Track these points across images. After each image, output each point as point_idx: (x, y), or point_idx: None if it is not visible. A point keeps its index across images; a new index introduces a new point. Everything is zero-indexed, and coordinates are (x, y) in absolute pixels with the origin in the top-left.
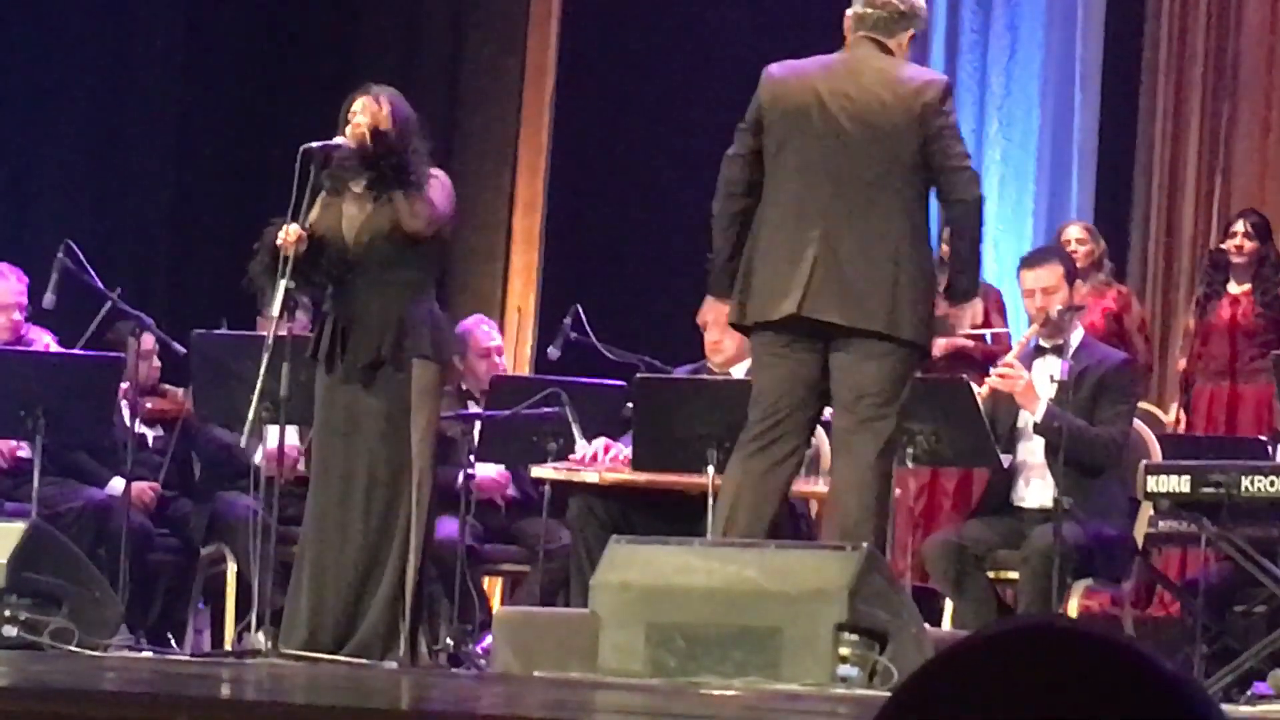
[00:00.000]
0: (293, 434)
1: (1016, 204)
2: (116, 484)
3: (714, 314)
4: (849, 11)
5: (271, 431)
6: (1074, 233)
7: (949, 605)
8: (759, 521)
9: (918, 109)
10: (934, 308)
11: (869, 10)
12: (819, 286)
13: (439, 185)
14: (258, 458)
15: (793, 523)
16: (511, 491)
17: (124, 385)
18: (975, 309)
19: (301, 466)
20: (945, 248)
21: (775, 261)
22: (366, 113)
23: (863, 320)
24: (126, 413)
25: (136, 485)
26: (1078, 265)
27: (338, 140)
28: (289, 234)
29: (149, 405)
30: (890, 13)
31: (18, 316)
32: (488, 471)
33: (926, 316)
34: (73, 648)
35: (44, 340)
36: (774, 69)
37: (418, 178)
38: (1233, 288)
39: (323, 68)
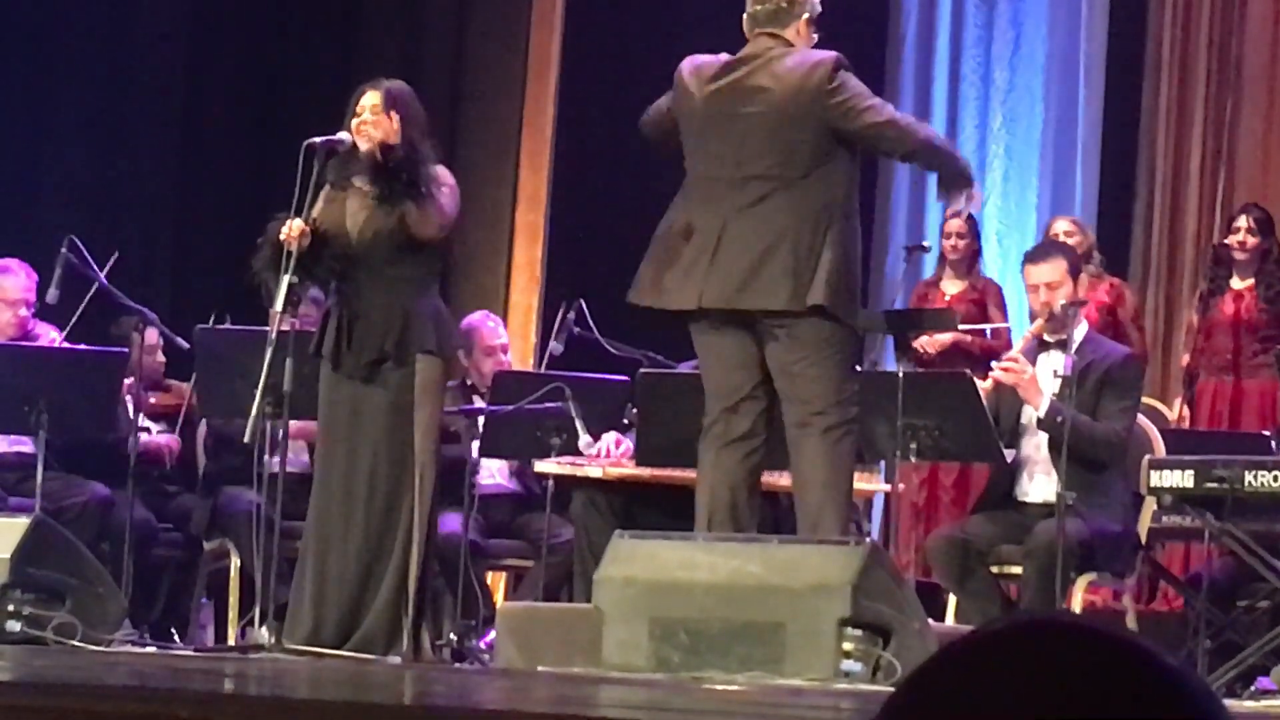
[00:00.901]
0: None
1: (1020, 199)
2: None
3: None
4: (745, 14)
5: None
6: (1062, 226)
7: (952, 600)
8: (739, 520)
9: (808, 92)
10: (855, 281)
11: (757, 7)
12: (719, 275)
13: (447, 189)
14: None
15: (773, 515)
16: (514, 486)
17: (128, 380)
18: (974, 194)
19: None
20: (945, 243)
21: (677, 250)
22: (378, 128)
23: (764, 301)
24: (130, 408)
25: (162, 438)
26: None
27: (341, 135)
28: (292, 229)
29: (153, 400)
30: (776, 4)
31: (25, 312)
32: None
33: (842, 287)
34: (76, 643)
35: (49, 335)
36: (685, 64)
37: (427, 187)
38: (1236, 283)
39: (326, 62)
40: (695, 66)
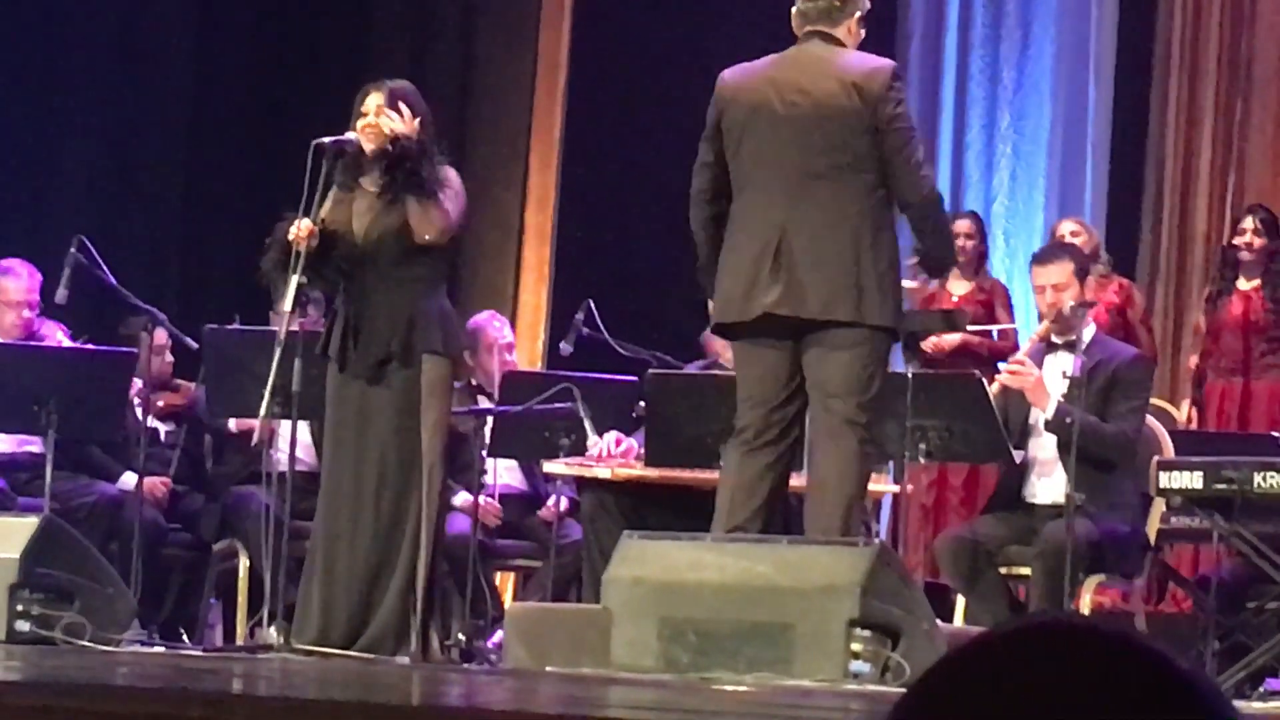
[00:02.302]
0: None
1: (1028, 199)
2: (129, 479)
3: None
4: (793, 10)
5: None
6: (1068, 227)
7: (961, 601)
8: (757, 522)
9: (864, 96)
10: (900, 290)
11: (809, 4)
12: (782, 283)
13: (452, 192)
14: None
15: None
16: (523, 487)
17: (137, 381)
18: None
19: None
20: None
21: (739, 262)
22: (397, 120)
23: (827, 311)
24: (139, 408)
25: (148, 480)
26: None
27: (349, 135)
28: (301, 229)
29: (161, 401)
30: (830, 2)
31: (28, 314)
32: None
33: (893, 299)
34: (85, 642)
35: (56, 335)
36: (726, 74)
37: (432, 185)
38: (1243, 284)
39: (334, 63)
40: (741, 70)
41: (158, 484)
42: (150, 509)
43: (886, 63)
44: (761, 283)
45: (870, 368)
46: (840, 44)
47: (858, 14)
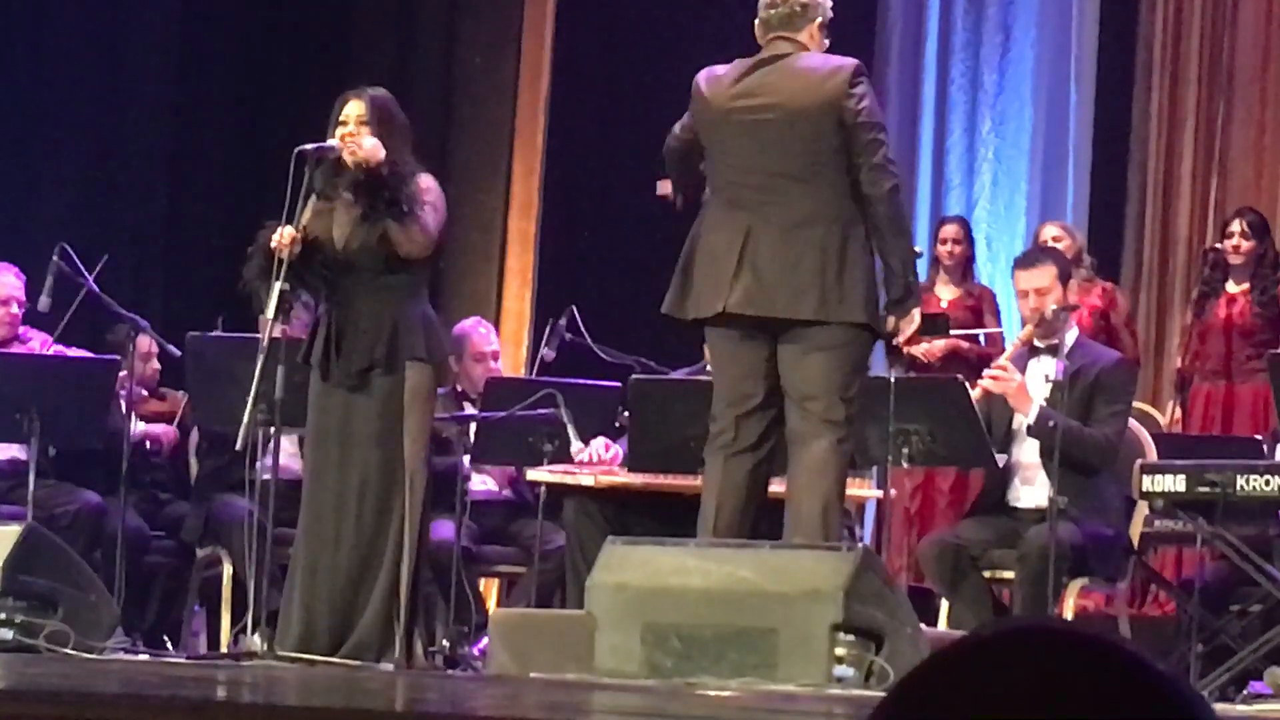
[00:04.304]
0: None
1: (1009, 203)
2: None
3: None
4: (756, 20)
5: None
6: (1050, 231)
7: (944, 605)
8: (741, 527)
9: (829, 95)
10: (879, 289)
11: (771, 12)
12: (747, 282)
13: (430, 208)
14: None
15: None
16: (507, 493)
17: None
18: (914, 316)
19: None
20: (941, 249)
21: (708, 259)
22: (361, 149)
23: (794, 310)
24: (123, 415)
25: (161, 428)
26: None
27: (332, 143)
28: (283, 236)
29: (146, 408)
30: (790, 8)
31: (16, 311)
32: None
33: (869, 296)
34: (69, 650)
35: (39, 342)
36: (700, 77)
37: (410, 206)
38: (1230, 287)
39: (317, 70)
40: (712, 76)
41: (170, 430)
42: (133, 516)
43: (849, 61)
44: (723, 283)
45: (847, 368)
46: (804, 48)
47: (819, 19)
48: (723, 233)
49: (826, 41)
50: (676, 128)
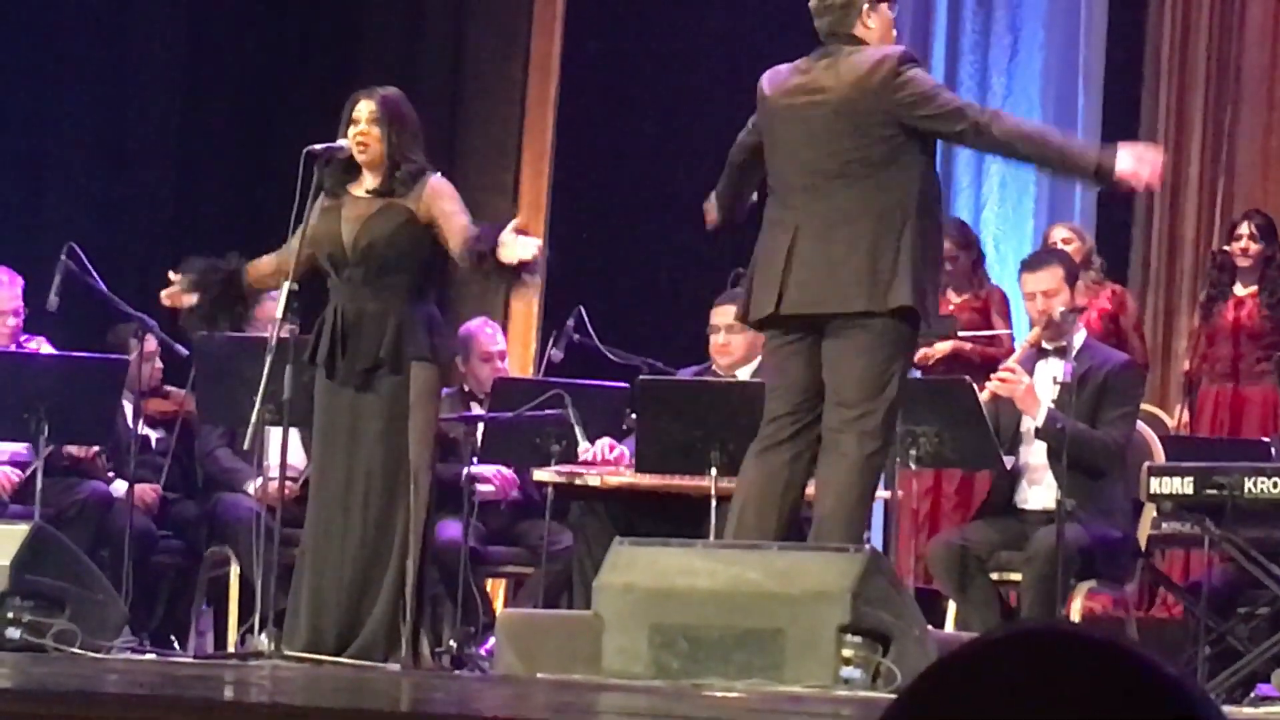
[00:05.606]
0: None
1: (1017, 205)
2: (119, 486)
3: (723, 317)
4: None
5: (273, 434)
6: (1060, 234)
7: (952, 607)
8: (768, 521)
9: (874, 87)
10: (927, 279)
11: (820, 21)
12: (795, 281)
13: (460, 206)
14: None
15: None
16: (514, 493)
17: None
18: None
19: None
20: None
21: (764, 260)
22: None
23: (840, 304)
24: (130, 414)
25: (139, 487)
26: None
27: (341, 143)
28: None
29: (151, 407)
30: (833, 13)
31: (14, 322)
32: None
33: (912, 281)
34: (76, 650)
35: (40, 348)
36: (763, 78)
37: (519, 270)
38: (1239, 289)
39: (326, 70)
40: (775, 74)
41: (148, 490)
42: (140, 516)
43: (892, 50)
44: (774, 284)
45: (885, 364)
46: (862, 42)
47: (865, 6)
48: (775, 233)
49: (891, 14)
50: (745, 130)
